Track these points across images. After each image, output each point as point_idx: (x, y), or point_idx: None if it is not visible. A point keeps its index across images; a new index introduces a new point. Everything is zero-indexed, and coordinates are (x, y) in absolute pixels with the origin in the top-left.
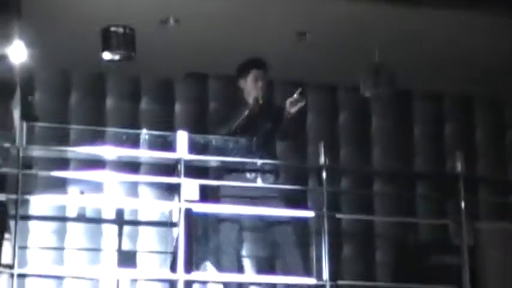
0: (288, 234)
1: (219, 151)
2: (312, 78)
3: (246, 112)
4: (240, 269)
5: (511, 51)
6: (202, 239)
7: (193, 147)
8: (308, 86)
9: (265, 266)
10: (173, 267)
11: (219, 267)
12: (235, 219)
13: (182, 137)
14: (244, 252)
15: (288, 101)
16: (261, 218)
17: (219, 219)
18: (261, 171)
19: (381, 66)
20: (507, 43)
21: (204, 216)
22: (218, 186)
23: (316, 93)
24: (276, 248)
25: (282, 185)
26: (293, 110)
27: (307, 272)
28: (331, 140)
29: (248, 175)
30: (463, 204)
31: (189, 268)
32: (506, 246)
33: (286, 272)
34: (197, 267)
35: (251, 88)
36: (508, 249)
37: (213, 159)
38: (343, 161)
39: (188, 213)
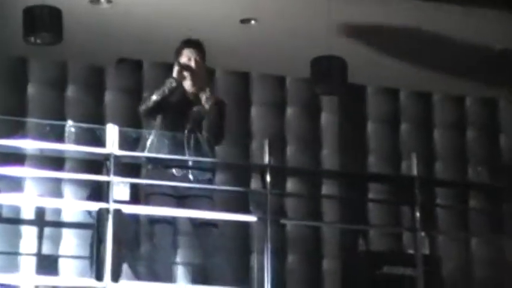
0: (219, 239)
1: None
2: (259, 69)
3: (173, 83)
4: (173, 278)
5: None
6: (132, 243)
7: (125, 142)
8: (253, 77)
9: (200, 274)
10: (99, 275)
11: (151, 274)
12: (169, 221)
13: (112, 131)
14: (178, 259)
15: (204, 97)
16: (190, 220)
17: (151, 221)
18: (193, 167)
19: (333, 59)
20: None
21: (136, 217)
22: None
23: (261, 85)
24: (209, 255)
25: (221, 186)
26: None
27: (245, 283)
28: (277, 136)
29: (175, 172)
30: (417, 211)
31: (116, 276)
32: (463, 256)
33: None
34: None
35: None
36: (466, 259)
37: (146, 156)
38: (290, 160)
39: (118, 214)
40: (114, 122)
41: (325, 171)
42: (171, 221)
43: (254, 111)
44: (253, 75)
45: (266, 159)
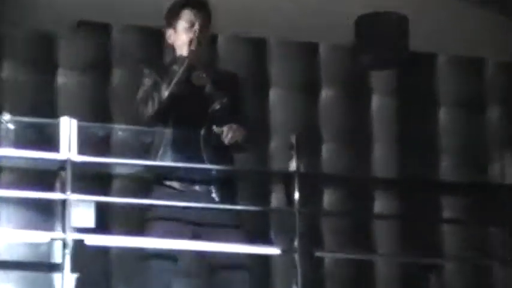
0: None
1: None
2: (278, 33)
3: (180, 71)
4: None
5: None
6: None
7: (88, 143)
8: (271, 44)
9: None
10: None
11: None
12: (169, 256)
13: (68, 126)
14: None
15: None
16: (204, 258)
17: (145, 255)
18: (209, 181)
19: (388, 16)
20: None
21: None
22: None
23: (283, 56)
24: None
25: (232, 205)
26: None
27: None
28: (308, 130)
29: (178, 186)
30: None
31: None
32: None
33: None
34: None
35: (184, 39)
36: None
37: (119, 163)
38: (327, 164)
39: (79, 247)
40: (71, 114)
41: (377, 179)
42: (174, 257)
43: (273, 94)
44: (271, 42)
45: (293, 163)
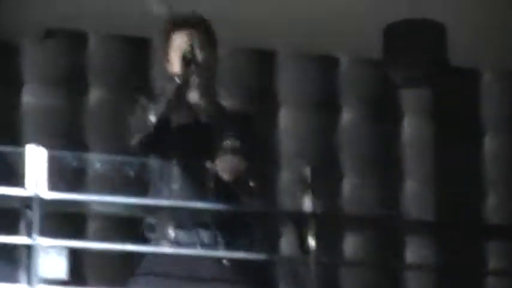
0: None
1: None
2: (290, 44)
3: (172, 89)
4: None
5: None
6: None
7: (59, 176)
8: (282, 57)
9: None
10: None
11: None
12: None
13: (36, 155)
14: None
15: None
16: None
17: None
18: (209, 224)
19: (423, 24)
20: None
21: None
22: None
23: (295, 71)
24: None
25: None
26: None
27: None
28: (325, 161)
29: (171, 233)
30: None
31: None
32: None
33: None
34: None
35: (176, 58)
36: None
37: (96, 200)
38: (349, 202)
39: None
40: (40, 141)
41: (408, 221)
42: None
43: (284, 116)
44: (281, 54)
45: (307, 202)
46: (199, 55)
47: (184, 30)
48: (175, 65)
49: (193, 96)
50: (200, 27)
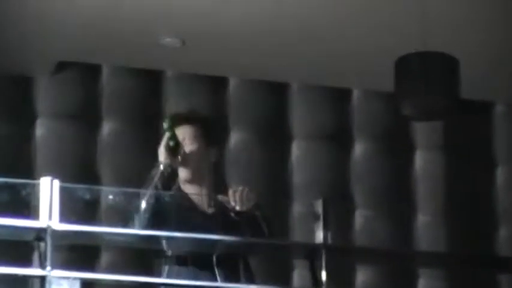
0: None
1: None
2: (302, 78)
3: (158, 175)
4: None
5: None
6: None
7: (72, 208)
8: (293, 90)
9: None
10: None
11: None
12: None
13: (49, 188)
14: None
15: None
16: None
17: None
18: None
19: (435, 57)
20: None
21: None
22: None
23: (307, 104)
24: None
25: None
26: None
27: None
28: (337, 193)
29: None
30: None
31: None
32: None
33: None
34: None
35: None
36: None
37: (109, 232)
38: (361, 235)
39: None
40: (53, 174)
41: (421, 254)
42: None
43: (296, 148)
44: (293, 86)
45: (319, 234)
46: (189, 147)
47: (181, 125)
48: (160, 154)
49: (189, 188)
50: (196, 122)
